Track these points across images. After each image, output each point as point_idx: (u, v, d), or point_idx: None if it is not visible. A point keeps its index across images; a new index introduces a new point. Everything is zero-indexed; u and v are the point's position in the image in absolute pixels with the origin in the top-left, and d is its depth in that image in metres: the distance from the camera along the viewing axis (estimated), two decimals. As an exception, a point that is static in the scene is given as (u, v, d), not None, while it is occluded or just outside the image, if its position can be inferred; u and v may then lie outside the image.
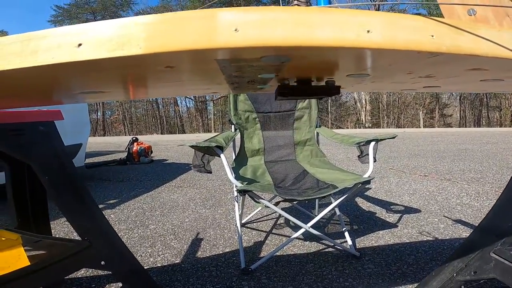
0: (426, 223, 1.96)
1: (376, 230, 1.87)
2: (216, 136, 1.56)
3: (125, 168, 4.50)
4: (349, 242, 1.61)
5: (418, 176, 3.44)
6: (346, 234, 1.64)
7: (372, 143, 1.50)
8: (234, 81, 0.51)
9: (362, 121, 25.43)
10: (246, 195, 1.32)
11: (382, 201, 2.49)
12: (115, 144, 8.52)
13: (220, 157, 1.35)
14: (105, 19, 0.33)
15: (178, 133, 20.75)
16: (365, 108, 25.58)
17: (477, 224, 1.91)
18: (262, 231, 1.90)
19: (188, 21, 0.29)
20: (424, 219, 2.03)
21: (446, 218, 2.05)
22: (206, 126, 24.87)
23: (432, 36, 0.32)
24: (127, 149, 5.01)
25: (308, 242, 1.71)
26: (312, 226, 1.40)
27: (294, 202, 2.13)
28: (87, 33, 0.30)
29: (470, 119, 24.11)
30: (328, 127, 2.13)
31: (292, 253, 1.59)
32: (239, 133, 1.93)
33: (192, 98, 25.38)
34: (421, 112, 23.75)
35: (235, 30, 0.29)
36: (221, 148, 1.34)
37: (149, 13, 0.35)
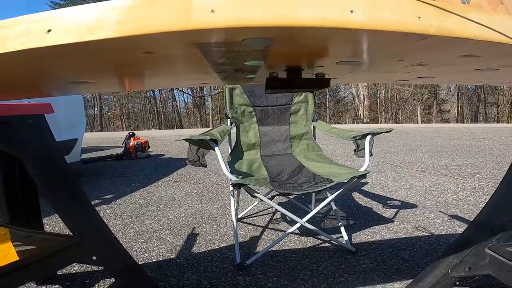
0: (422, 218, 1.96)
1: (372, 225, 1.87)
2: (211, 129, 1.54)
3: (122, 163, 4.48)
4: (345, 237, 1.60)
5: (415, 171, 3.44)
6: (342, 229, 1.63)
7: (368, 137, 1.49)
8: (221, 70, 0.49)
9: (360, 116, 25.45)
10: (242, 189, 1.31)
11: (378, 196, 2.48)
12: (112, 139, 8.48)
13: (214, 150, 1.33)
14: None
15: (176, 128, 20.70)
16: (363, 103, 25.58)
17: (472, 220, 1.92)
18: (258, 226, 1.90)
19: (162, 3, 0.28)
20: (420, 214, 2.03)
21: (442, 214, 2.04)
22: (204, 121, 24.81)
23: (419, 17, 0.31)
24: (124, 144, 4.98)
25: (304, 237, 1.70)
26: (308, 221, 1.39)
27: (290, 197, 2.12)
28: (57, 19, 0.30)
29: (467, 115, 24.16)
30: (326, 122, 2.11)
31: (287, 248, 1.59)
32: (235, 127, 1.91)
33: (190, 93, 25.32)
34: (419, 107, 23.78)
35: (212, 11, 0.28)
36: (216, 142, 1.32)
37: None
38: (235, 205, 1.68)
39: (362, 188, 2.72)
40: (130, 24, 0.28)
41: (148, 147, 5.20)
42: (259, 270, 1.38)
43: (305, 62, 0.46)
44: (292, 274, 1.34)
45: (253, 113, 1.94)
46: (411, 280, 1.25)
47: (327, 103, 25.52)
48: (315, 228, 1.51)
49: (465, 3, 0.45)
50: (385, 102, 25.28)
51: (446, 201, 2.30)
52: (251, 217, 2.05)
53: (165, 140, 7.68)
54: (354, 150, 1.62)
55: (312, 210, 1.43)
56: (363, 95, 25.29)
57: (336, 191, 1.39)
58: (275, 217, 2.04)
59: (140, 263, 1.46)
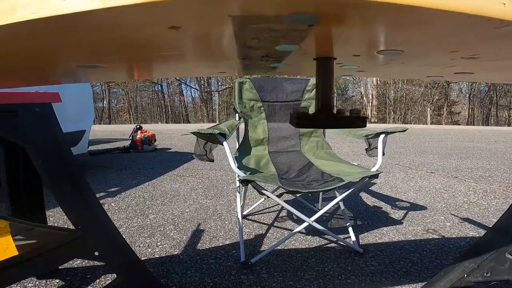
0: (432, 221, 1.91)
1: (381, 226, 1.82)
2: (219, 124, 1.51)
3: (128, 156, 4.48)
4: (353, 237, 1.56)
5: (425, 172, 3.38)
6: (350, 229, 1.59)
7: (382, 136, 1.44)
8: (246, 55, 0.45)
9: (368, 115, 25.22)
10: (249, 185, 1.28)
11: (387, 197, 2.44)
12: (119, 132, 8.51)
13: (222, 145, 1.30)
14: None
15: (183, 123, 20.74)
16: (371, 103, 25.34)
17: (484, 223, 1.86)
18: (263, 223, 1.87)
19: None
20: (430, 217, 1.98)
21: (452, 216, 1.99)
22: (211, 117, 24.79)
23: (504, 4, 0.26)
24: (131, 137, 4.99)
25: (310, 236, 1.67)
26: (315, 220, 1.36)
27: (298, 195, 2.09)
28: None
29: (478, 117, 23.76)
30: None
31: (293, 247, 1.55)
32: (243, 122, 1.88)
33: (198, 88, 25.30)
34: (428, 108, 23.46)
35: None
36: (224, 136, 1.29)
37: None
38: (241, 202, 1.65)
39: (370, 188, 2.67)
40: None
41: (155, 140, 5.19)
42: (264, 269, 1.35)
43: (340, 51, 0.42)
44: (298, 274, 1.31)
45: (262, 108, 1.91)
46: (420, 284, 1.22)
47: (335, 102, 25.34)
48: (322, 228, 1.47)
49: None
50: (394, 102, 25.02)
51: (456, 204, 2.25)
52: (257, 214, 2.03)
53: (171, 134, 7.69)
54: (366, 149, 1.57)
55: (318, 209, 1.39)
56: (372, 94, 25.05)
57: (345, 191, 1.35)
58: (281, 215, 2.01)
59: (142, 258, 1.44)
